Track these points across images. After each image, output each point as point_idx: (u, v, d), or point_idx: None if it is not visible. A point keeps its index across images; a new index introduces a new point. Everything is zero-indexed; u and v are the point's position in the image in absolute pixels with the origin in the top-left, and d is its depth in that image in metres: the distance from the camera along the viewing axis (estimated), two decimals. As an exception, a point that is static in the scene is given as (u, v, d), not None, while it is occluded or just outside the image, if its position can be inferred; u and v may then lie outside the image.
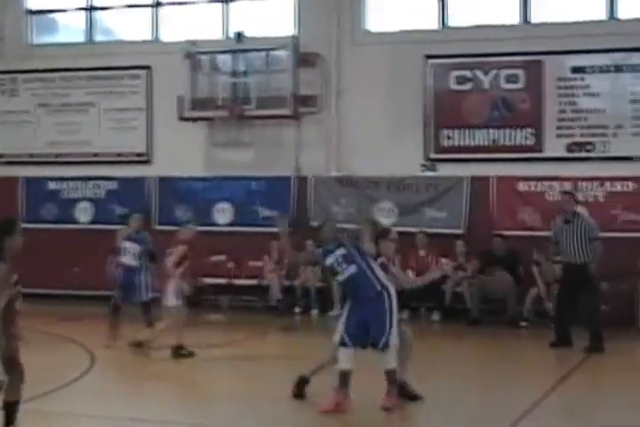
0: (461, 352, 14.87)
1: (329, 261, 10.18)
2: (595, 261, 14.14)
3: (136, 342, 13.39)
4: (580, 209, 15.28)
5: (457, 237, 18.05)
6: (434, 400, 10.31)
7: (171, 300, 13.12)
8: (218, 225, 19.43)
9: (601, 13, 17.99)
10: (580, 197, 16.43)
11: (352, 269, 10.02)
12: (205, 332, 14.00)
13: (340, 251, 10.11)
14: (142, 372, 12.48)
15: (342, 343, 9.89)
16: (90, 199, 20.56)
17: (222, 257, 18.52)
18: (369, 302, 9.91)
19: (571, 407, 10.54)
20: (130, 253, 14.39)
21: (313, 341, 15.25)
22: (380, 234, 10.48)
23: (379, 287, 9.97)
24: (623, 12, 17.86)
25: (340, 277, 10.17)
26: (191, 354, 12.96)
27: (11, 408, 7.98)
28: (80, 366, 12.18)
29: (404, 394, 10.20)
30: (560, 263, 14.95)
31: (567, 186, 17.18)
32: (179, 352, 12.91)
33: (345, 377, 9.84)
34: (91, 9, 21.09)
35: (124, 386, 11.72)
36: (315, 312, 18.13)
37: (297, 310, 18.25)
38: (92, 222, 20.35)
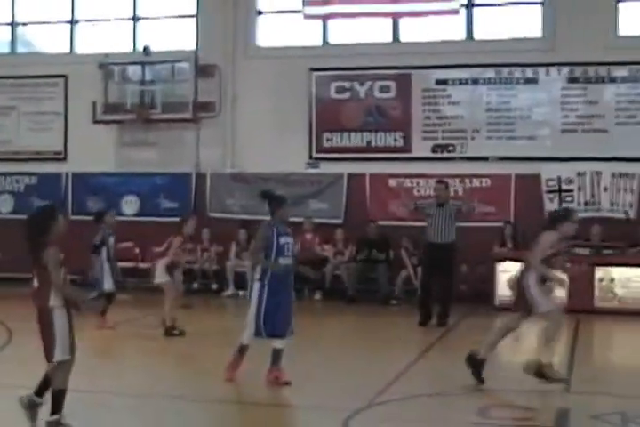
0: (340, 327, 14.62)
1: (283, 240, 9.18)
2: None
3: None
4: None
5: (337, 226, 17.74)
6: (313, 371, 10.07)
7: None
8: (126, 215, 18.74)
9: (461, 34, 17.91)
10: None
11: (292, 260, 9.32)
12: (113, 310, 13.45)
13: (289, 239, 9.28)
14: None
15: (258, 335, 9.14)
16: (10, 192, 19.80)
17: (129, 244, 17.83)
18: (287, 290, 9.25)
19: (435, 373, 10.30)
20: (112, 248, 13.62)
21: (208, 317, 14.96)
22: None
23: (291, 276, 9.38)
24: (479, 34, 17.84)
25: (283, 262, 9.16)
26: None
27: (58, 396, 7.23)
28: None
29: (545, 376, 9.12)
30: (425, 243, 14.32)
31: (432, 182, 16.70)
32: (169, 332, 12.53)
33: (243, 350, 9.28)
34: (14, 24, 20.26)
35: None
36: (212, 288, 17.81)
37: (195, 287, 17.71)
38: (13, 213, 19.43)
